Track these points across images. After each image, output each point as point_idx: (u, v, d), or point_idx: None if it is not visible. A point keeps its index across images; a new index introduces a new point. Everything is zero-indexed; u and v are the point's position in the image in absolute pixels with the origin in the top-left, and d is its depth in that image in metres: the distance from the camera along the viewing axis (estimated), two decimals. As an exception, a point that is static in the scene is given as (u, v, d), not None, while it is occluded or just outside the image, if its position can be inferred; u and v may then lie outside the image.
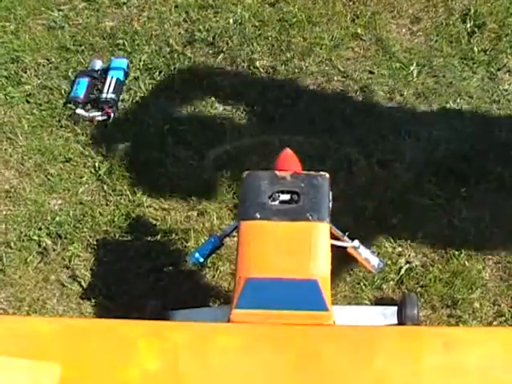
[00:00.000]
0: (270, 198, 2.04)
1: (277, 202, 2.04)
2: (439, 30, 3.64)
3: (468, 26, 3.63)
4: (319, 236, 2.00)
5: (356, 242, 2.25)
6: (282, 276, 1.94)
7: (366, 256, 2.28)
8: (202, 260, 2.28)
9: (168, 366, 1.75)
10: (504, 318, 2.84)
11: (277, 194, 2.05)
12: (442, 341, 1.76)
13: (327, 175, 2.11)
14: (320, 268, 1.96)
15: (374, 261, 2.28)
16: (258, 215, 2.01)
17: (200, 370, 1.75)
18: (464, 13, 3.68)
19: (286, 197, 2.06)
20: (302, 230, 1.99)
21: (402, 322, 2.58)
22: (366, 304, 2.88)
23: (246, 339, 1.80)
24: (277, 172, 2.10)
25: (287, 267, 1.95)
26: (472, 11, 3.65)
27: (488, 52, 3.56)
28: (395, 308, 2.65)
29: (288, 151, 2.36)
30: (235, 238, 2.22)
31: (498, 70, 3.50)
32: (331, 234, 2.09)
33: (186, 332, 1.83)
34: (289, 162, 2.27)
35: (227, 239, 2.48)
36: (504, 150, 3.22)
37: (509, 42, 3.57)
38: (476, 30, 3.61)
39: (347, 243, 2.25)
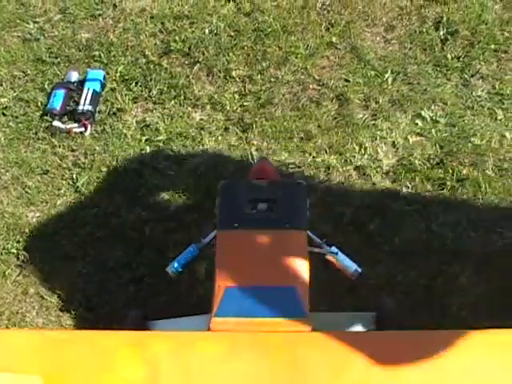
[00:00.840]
0: (247, 206, 2.05)
1: (254, 211, 2.06)
2: (413, 38, 3.68)
3: (441, 33, 3.67)
4: (297, 244, 2.02)
5: (334, 249, 2.27)
6: (261, 284, 1.95)
7: (344, 262, 2.29)
8: (180, 269, 2.29)
9: (150, 375, 1.75)
10: (483, 320, 2.86)
11: (254, 203, 2.06)
12: (420, 344, 1.78)
13: (304, 183, 2.13)
14: (298, 275, 1.97)
15: (352, 266, 2.30)
16: (235, 224, 2.03)
17: (181, 378, 1.75)
18: (437, 21, 3.72)
19: (264, 205, 2.07)
20: (279, 238, 2.01)
21: (380, 327, 2.60)
22: (345, 310, 2.90)
23: (227, 347, 1.81)
24: (254, 181, 2.12)
25: (265, 275, 1.97)
26: (445, 19, 3.69)
27: (461, 59, 3.60)
28: (373, 314, 2.67)
29: (265, 160, 2.39)
30: (213, 247, 2.23)
31: (472, 76, 3.55)
32: (309, 241, 2.11)
33: (166, 341, 1.84)
34: (266, 170, 2.30)
35: (205, 248, 2.50)
36: (479, 155, 3.26)
37: (481, 48, 3.61)
38: (449, 37, 3.66)
39: (325, 250, 2.26)
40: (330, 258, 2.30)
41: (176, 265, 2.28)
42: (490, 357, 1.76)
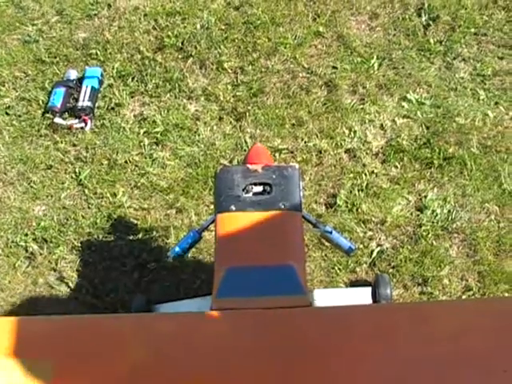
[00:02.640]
0: (243, 190, 2.02)
1: (250, 194, 2.03)
2: (396, 25, 3.65)
3: (423, 19, 3.65)
4: (293, 224, 1.99)
5: (328, 228, 2.25)
6: (259, 264, 1.93)
7: (338, 240, 2.27)
8: (182, 254, 2.27)
9: (155, 356, 1.73)
10: (472, 292, 2.87)
11: (250, 187, 2.04)
12: (414, 315, 1.76)
13: (297, 166, 2.10)
14: (295, 254, 1.95)
15: (346, 244, 2.28)
16: (233, 207, 2.00)
17: (186, 358, 1.73)
18: (419, 7, 3.70)
19: (259, 188, 2.04)
20: (276, 219, 1.98)
21: (376, 301, 2.60)
22: (342, 287, 2.89)
23: (229, 325, 1.79)
24: (249, 165, 2.09)
25: (264, 255, 1.94)
26: (426, 5, 3.67)
27: (443, 43, 3.58)
28: (369, 289, 2.66)
29: (258, 145, 2.36)
30: (213, 232, 2.21)
31: (454, 59, 3.53)
32: (304, 221, 2.09)
33: (170, 322, 1.82)
34: (260, 155, 2.27)
35: (206, 233, 2.48)
36: (463, 134, 3.24)
37: (462, 32, 3.59)
38: (431, 22, 3.63)
39: (320, 229, 2.24)
40: (324, 236, 2.28)
41: (177, 249, 2.25)
42: (482, 324, 1.74)
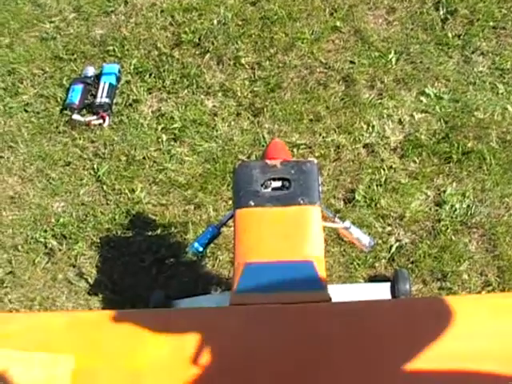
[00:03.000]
0: (262, 185, 2.02)
1: (269, 189, 2.03)
2: (414, 19, 3.63)
3: (441, 13, 3.62)
4: (311, 219, 1.98)
5: (347, 223, 2.24)
6: (279, 259, 1.93)
7: (358, 235, 2.26)
8: (201, 249, 2.26)
9: (175, 351, 1.74)
10: (491, 287, 2.85)
11: (268, 182, 2.03)
12: (433, 310, 1.75)
13: (315, 161, 2.09)
14: (314, 249, 1.94)
15: (365, 239, 2.27)
16: (252, 203, 1.99)
17: (206, 352, 1.74)
18: (436, 1, 3.66)
19: (278, 184, 2.04)
20: (294, 214, 1.98)
21: (395, 296, 2.59)
22: (360, 282, 2.89)
23: (248, 321, 1.79)
24: (267, 161, 2.09)
25: (283, 250, 1.94)
26: (444, -1, 3.65)
27: (461, 37, 3.55)
28: (388, 284, 2.65)
29: (277, 140, 2.36)
30: (232, 228, 2.21)
31: (472, 53, 3.50)
32: (323, 216, 2.08)
33: (189, 317, 1.82)
34: (278, 150, 2.27)
35: (224, 229, 2.47)
36: (482, 128, 3.22)
37: (480, 26, 3.56)
38: (449, 16, 3.60)
39: (339, 224, 2.24)
40: (343, 232, 2.27)
41: (196, 245, 2.25)
42: (499, 320, 1.73)
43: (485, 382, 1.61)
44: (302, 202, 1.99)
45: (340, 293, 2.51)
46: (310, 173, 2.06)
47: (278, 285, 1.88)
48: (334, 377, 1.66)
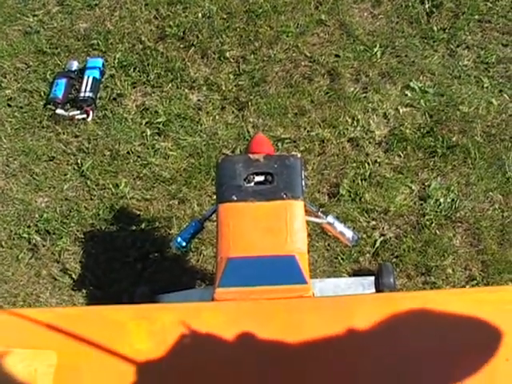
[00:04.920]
0: (245, 180, 2.03)
1: (252, 184, 2.04)
2: (399, 12, 3.65)
3: (426, 6, 3.64)
4: (294, 213, 2.00)
5: (330, 218, 2.26)
6: (261, 254, 1.94)
7: (341, 230, 2.28)
8: (184, 244, 2.27)
9: (158, 346, 1.75)
10: (476, 282, 2.88)
11: (251, 176, 2.04)
12: (417, 304, 1.77)
13: (299, 155, 2.11)
14: (297, 244, 1.95)
15: (349, 234, 2.29)
16: (234, 197, 2.01)
17: (188, 348, 1.75)
18: (422, -6, 3.69)
19: (261, 178, 2.05)
20: (277, 209, 1.99)
21: (379, 290, 2.61)
22: (344, 276, 2.91)
23: (231, 315, 1.81)
24: (250, 155, 2.10)
25: (266, 245, 1.95)
26: (429, -8, 3.67)
27: (447, 30, 3.57)
28: (372, 278, 2.67)
29: (260, 135, 2.37)
30: (215, 223, 2.23)
31: (458, 46, 3.52)
32: (306, 211, 2.10)
33: (172, 312, 1.83)
34: (261, 144, 2.28)
35: (208, 224, 2.49)
36: (467, 122, 3.24)
37: (466, 19, 3.59)
38: (434, 9, 3.63)
39: (322, 219, 2.25)
40: (327, 226, 2.29)
41: (179, 240, 2.27)
42: (483, 313, 1.75)
43: (468, 372, 1.64)
44: (285, 196, 2.01)
45: (324, 287, 2.54)
46: (294, 167, 2.07)
47: (260, 279, 1.90)
48: (319, 370, 1.68)
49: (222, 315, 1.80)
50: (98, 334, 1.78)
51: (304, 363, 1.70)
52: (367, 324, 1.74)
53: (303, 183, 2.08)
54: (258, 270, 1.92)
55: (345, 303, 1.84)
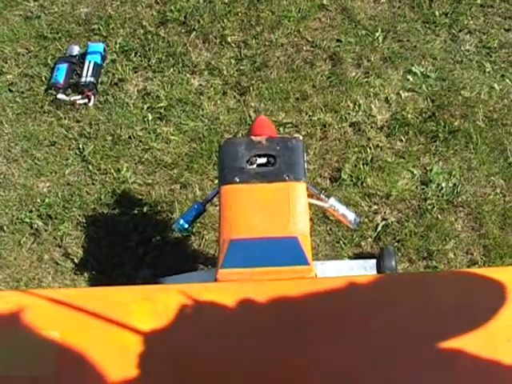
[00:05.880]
0: (247, 162, 2.04)
1: (254, 166, 2.04)
2: (401, -3, 3.65)
3: (429, -10, 3.65)
4: (297, 195, 2.00)
5: (332, 200, 2.26)
6: (264, 235, 1.95)
7: (343, 212, 2.29)
8: (186, 226, 2.28)
9: (161, 327, 1.76)
10: (477, 266, 2.89)
11: (254, 158, 2.04)
12: (417, 285, 1.78)
13: (301, 137, 2.11)
14: (299, 225, 1.96)
15: (351, 216, 2.29)
16: (237, 179, 2.01)
17: (191, 328, 1.76)
18: (424, -21, 3.68)
19: (263, 160, 2.05)
20: (280, 191, 2.00)
21: (381, 273, 2.62)
22: (346, 259, 2.92)
23: (234, 296, 1.81)
24: (252, 137, 2.10)
25: (268, 226, 1.96)
26: (431, -23, 3.66)
27: (449, 15, 3.57)
28: (374, 261, 2.68)
29: (262, 117, 2.38)
30: (217, 207, 2.23)
31: (460, 31, 3.52)
32: (308, 193, 2.10)
33: (175, 293, 1.84)
34: (263, 127, 2.28)
35: (210, 208, 2.50)
36: (469, 107, 3.25)
37: (468, 4, 3.58)
38: (436, -6, 3.63)
39: (324, 201, 2.26)
40: (329, 208, 2.29)
41: (182, 222, 2.27)
42: (484, 294, 1.76)
43: (470, 354, 1.65)
44: (287, 178, 2.01)
45: (325, 269, 2.55)
46: (296, 149, 2.08)
47: (263, 260, 1.91)
48: (319, 349, 1.70)
49: (225, 296, 1.81)
50: (101, 315, 1.79)
51: (305, 343, 1.71)
52: (367, 305, 1.75)
53: (305, 165, 2.09)
54: (260, 251, 1.93)
55: (345, 284, 1.85)
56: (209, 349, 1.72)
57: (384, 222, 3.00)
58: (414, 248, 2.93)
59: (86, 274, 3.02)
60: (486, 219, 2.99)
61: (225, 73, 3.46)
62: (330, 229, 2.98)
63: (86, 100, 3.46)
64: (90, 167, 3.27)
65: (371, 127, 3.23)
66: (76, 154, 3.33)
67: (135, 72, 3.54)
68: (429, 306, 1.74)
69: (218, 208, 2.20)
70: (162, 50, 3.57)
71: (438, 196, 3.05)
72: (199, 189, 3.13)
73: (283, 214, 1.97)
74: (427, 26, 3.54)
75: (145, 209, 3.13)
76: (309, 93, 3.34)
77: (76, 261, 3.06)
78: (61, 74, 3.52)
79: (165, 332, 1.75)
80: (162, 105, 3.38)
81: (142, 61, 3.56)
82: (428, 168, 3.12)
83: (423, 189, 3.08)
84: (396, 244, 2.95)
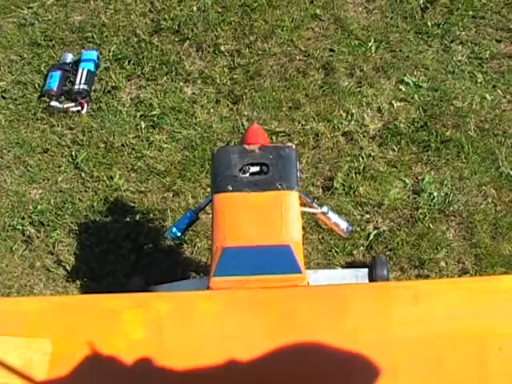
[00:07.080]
0: (240, 170, 2.04)
1: (247, 174, 2.04)
2: (394, 7, 3.66)
3: (421, 1, 3.67)
4: (289, 204, 2.00)
5: (325, 208, 2.26)
6: (257, 243, 1.94)
7: (335, 220, 2.29)
8: (179, 234, 2.28)
9: (153, 335, 1.76)
10: (469, 275, 2.89)
11: (247, 167, 2.04)
12: (410, 293, 1.79)
13: (294, 146, 2.12)
14: (292, 234, 1.96)
15: (343, 224, 2.29)
16: (230, 188, 2.01)
17: (183, 336, 1.76)
18: (416, -11, 3.71)
19: (256, 169, 2.06)
20: (272, 199, 1.99)
21: (373, 282, 2.62)
22: (337, 268, 2.92)
23: (226, 304, 1.81)
24: (245, 146, 2.10)
25: (261, 235, 1.95)
26: (424, -13, 3.68)
27: (441, 26, 3.59)
28: (366, 270, 2.68)
29: (255, 125, 2.38)
30: (210, 215, 2.23)
31: (452, 42, 3.54)
32: (301, 201, 2.10)
33: (168, 301, 1.84)
34: (256, 135, 2.28)
35: (203, 216, 2.49)
36: (461, 117, 3.26)
37: (460, 15, 3.60)
38: (428, 5, 3.64)
39: (317, 209, 2.26)
40: (321, 217, 2.29)
41: (174, 230, 2.27)
42: (474, 302, 1.76)
43: (461, 362, 1.66)
44: (280, 186, 2.01)
45: (318, 278, 2.55)
46: (289, 158, 2.08)
47: (255, 268, 1.91)
48: (311, 358, 1.70)
49: (218, 304, 1.81)
50: (93, 323, 1.78)
51: (298, 351, 1.71)
52: (360, 313, 1.75)
53: (298, 174, 2.09)
54: (253, 259, 1.92)
55: (338, 292, 1.85)
56: (201, 357, 1.72)
57: (376, 231, 3.00)
58: (405, 257, 2.94)
59: (78, 282, 3.01)
60: (477, 228, 3.00)
61: (218, 81, 3.46)
62: (323, 237, 2.99)
63: (79, 107, 3.46)
64: (83, 174, 3.27)
65: (363, 136, 3.24)
66: (69, 161, 3.33)
67: (128, 80, 3.54)
68: (421, 314, 1.75)
69: (210, 216, 2.20)
70: (155, 58, 3.57)
71: (430, 205, 3.05)
72: (192, 197, 3.13)
73: (276, 222, 1.97)
74: (419, 36, 3.56)
75: (137, 216, 3.12)
76: (301, 102, 3.35)
77: (68, 268, 3.04)
78: (54, 81, 3.52)
79: (157, 340, 1.75)
80: (155, 113, 3.39)
81: (135, 69, 3.56)
82: (420, 177, 3.13)
83: (415, 198, 3.09)
84: (388, 253, 2.96)
